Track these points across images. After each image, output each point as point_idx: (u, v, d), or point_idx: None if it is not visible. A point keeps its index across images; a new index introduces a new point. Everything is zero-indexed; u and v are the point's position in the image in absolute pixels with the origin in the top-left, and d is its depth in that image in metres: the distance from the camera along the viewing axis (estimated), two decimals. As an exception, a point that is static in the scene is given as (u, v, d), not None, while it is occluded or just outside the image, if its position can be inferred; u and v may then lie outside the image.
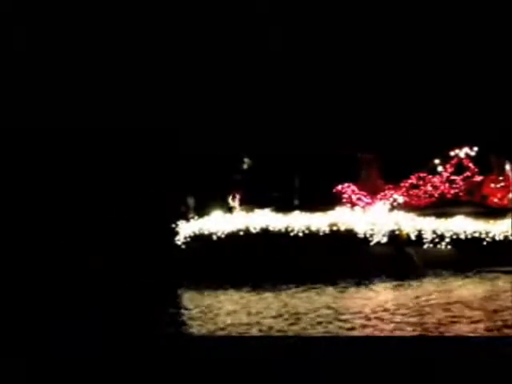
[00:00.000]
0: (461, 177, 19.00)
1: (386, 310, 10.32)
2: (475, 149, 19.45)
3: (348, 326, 8.83)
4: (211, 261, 15.00)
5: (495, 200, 18.53)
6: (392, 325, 8.94)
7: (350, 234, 15.69)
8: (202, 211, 16.29)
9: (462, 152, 19.31)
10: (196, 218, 16.19)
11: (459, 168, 19.34)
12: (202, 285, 13.96)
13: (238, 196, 16.90)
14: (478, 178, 19.17)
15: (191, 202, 16.54)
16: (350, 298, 12.35)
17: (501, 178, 18.86)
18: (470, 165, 19.33)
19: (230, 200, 16.79)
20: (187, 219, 16.18)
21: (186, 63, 29.77)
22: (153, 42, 29.89)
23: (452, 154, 19.20)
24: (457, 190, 18.44)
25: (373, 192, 18.58)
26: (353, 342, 8.21)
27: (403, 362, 6.58)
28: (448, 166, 19.23)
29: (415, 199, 18.10)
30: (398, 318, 9.42)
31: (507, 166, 19.34)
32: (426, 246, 16.00)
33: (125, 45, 29.94)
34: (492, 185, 18.68)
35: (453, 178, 19.09)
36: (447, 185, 18.39)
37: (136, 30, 29.22)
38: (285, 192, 17.77)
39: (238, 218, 15.98)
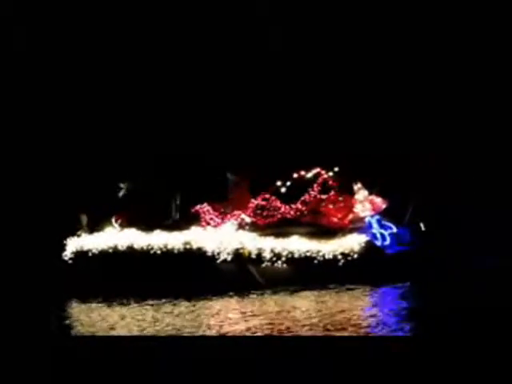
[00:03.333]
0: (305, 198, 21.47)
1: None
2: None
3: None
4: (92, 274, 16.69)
5: (334, 220, 21.22)
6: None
7: (200, 251, 17.87)
8: (94, 228, 17.76)
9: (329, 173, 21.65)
10: (84, 234, 17.63)
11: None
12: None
13: (121, 216, 18.41)
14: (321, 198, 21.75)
15: (84, 219, 17.90)
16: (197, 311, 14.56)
17: (340, 199, 21.59)
18: (334, 185, 21.75)
19: (113, 220, 18.28)
20: (77, 235, 17.58)
21: (184, 62, 29.56)
22: (147, 38, 29.40)
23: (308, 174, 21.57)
24: (297, 211, 20.93)
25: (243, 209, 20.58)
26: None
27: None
28: (315, 185, 21.56)
29: (260, 219, 20.42)
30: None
31: (356, 187, 22.15)
32: (264, 265, 18.47)
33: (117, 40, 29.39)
34: (330, 205, 21.39)
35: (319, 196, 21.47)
36: (287, 206, 20.86)
37: (134, 29, 29.17)
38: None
39: (112, 235, 17.65)
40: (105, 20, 29.67)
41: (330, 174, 21.69)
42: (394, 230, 21.62)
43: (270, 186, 20.98)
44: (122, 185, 18.76)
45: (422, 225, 22.73)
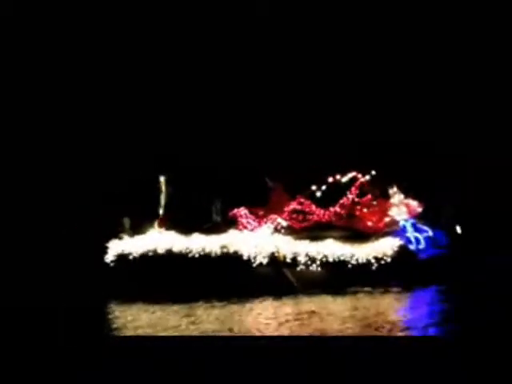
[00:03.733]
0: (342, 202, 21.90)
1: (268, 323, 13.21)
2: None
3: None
4: (131, 276, 17.46)
5: (369, 223, 21.61)
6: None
7: (237, 255, 18.44)
8: (136, 231, 18.58)
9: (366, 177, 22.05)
10: (127, 237, 18.45)
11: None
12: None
13: (163, 220, 19.18)
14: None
15: (127, 222, 18.73)
16: (237, 314, 15.13)
17: (374, 203, 21.97)
18: (371, 189, 22.22)
19: (155, 223, 19.07)
20: (120, 238, 18.42)
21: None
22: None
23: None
24: (334, 215, 21.36)
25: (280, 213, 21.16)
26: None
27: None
28: (353, 189, 21.97)
29: (296, 223, 20.90)
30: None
31: (391, 190, 22.49)
32: (299, 268, 18.96)
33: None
34: (365, 209, 21.76)
35: (357, 200, 21.81)
36: (322, 210, 21.29)
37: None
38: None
39: (153, 239, 18.43)
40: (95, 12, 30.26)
41: (367, 177, 22.21)
42: (430, 233, 21.96)
43: (306, 189, 21.52)
44: (163, 188, 19.48)
45: (458, 227, 23.03)
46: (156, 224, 18.94)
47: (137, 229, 18.77)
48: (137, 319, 14.32)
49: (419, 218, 22.31)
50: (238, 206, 20.49)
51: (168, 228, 18.86)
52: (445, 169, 26.25)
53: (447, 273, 19.93)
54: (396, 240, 20.23)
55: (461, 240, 22.38)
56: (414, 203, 22.51)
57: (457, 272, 20.13)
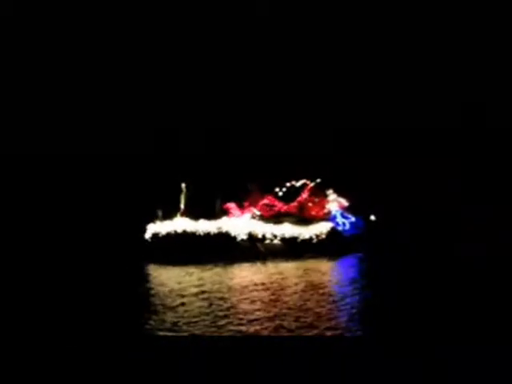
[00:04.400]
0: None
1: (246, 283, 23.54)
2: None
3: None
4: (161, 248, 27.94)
5: (313, 213, 32.17)
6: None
7: (227, 233, 28.87)
8: (166, 218, 29.12)
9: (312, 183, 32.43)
10: (159, 222, 28.99)
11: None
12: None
13: (184, 211, 29.56)
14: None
15: (160, 213, 28.94)
16: (229, 271, 25.47)
17: (316, 200, 32.46)
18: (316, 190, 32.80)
19: (179, 214, 29.49)
20: (154, 223, 28.97)
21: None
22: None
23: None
24: (288, 208, 31.89)
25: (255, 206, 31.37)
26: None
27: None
28: (306, 190, 32.23)
29: (265, 212, 31.33)
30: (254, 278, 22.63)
31: (328, 191, 32.98)
32: (267, 242, 29.52)
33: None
34: (311, 203, 32.33)
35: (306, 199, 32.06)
36: (282, 204, 31.76)
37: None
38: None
39: (174, 223, 28.98)
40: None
41: (314, 183, 32.87)
42: (353, 219, 32.68)
43: (272, 191, 32.09)
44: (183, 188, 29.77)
45: (372, 216, 34.00)
46: (179, 214, 29.35)
47: (167, 217, 29.19)
48: (161, 275, 24.51)
49: (347, 209, 33.14)
50: (229, 202, 31.02)
51: (187, 216, 29.28)
52: (366, 173, 36.91)
53: (363, 245, 30.81)
54: (329, 224, 30.98)
55: (374, 224, 33.45)
56: (343, 200, 33.30)
57: (369, 245, 31.06)
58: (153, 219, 29.15)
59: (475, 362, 11.73)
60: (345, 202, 33.02)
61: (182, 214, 29.16)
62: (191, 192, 29.51)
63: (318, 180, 32.56)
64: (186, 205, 29.48)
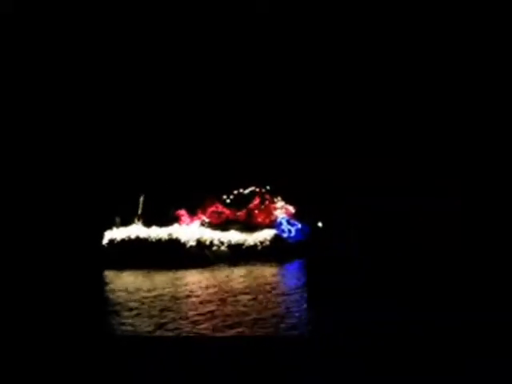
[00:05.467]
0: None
1: (198, 284, 25.46)
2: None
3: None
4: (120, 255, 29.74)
5: (260, 220, 34.17)
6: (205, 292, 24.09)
7: (177, 240, 30.75)
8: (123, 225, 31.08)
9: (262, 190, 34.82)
10: (116, 228, 30.86)
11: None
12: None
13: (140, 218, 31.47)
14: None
15: (118, 219, 30.73)
16: (178, 276, 27.36)
17: (263, 207, 34.51)
18: (267, 197, 34.90)
19: (135, 219, 31.29)
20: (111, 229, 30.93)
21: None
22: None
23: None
24: (236, 215, 33.86)
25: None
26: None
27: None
28: (256, 197, 34.63)
29: (214, 220, 33.27)
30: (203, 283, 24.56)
31: (276, 199, 35.05)
32: (214, 248, 31.46)
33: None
34: (257, 211, 34.34)
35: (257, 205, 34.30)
36: (229, 211, 33.75)
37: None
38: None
39: (129, 229, 30.86)
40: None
41: (263, 190, 34.91)
42: (299, 226, 34.85)
43: (220, 198, 34.07)
44: (141, 200, 31.69)
45: (320, 223, 36.19)
46: (136, 220, 31.23)
47: (125, 224, 31.11)
48: (115, 280, 26.38)
49: (293, 216, 35.25)
50: (180, 209, 32.96)
51: (143, 223, 31.19)
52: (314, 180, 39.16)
53: (308, 251, 33.00)
54: (273, 230, 33.10)
55: (321, 231, 35.63)
56: (290, 207, 35.43)
57: (313, 250, 33.24)
58: (111, 226, 31.19)
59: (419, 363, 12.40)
60: (292, 209, 35.28)
61: (139, 220, 31.12)
62: (147, 199, 31.51)
63: (268, 187, 34.72)
64: (142, 211, 31.46)
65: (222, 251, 31.47)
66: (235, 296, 20.52)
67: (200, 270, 28.83)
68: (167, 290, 22.75)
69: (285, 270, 29.50)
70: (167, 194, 32.41)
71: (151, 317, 17.20)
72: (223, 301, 19.63)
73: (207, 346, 14.37)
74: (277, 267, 29.70)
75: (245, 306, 18.67)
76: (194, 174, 36.33)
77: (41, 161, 37.87)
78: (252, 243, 32.03)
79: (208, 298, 20.54)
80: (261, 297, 20.22)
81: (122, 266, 28.90)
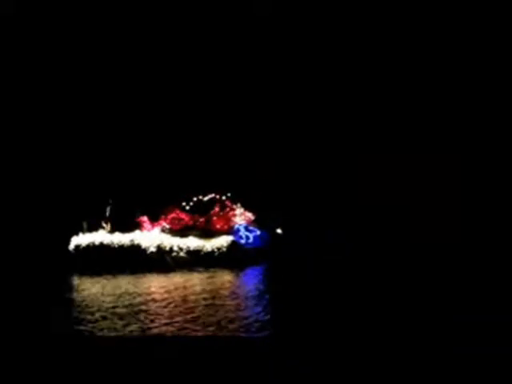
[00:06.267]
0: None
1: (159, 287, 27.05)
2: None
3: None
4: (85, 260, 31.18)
5: (218, 226, 35.81)
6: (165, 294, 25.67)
7: (138, 246, 32.29)
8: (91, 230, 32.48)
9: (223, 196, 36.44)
10: (83, 234, 32.24)
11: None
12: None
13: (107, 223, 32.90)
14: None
15: (85, 225, 32.13)
16: (139, 281, 28.92)
17: (221, 214, 36.14)
18: (228, 204, 36.53)
19: (103, 224, 32.78)
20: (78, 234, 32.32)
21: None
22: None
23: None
24: (196, 222, 35.47)
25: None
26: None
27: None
28: (217, 204, 36.25)
29: (174, 226, 34.84)
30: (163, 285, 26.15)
31: (235, 206, 36.70)
32: (174, 254, 33.02)
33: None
34: (215, 218, 35.97)
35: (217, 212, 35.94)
36: (189, 218, 35.30)
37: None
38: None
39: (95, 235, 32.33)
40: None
41: (224, 197, 36.54)
42: (258, 232, 36.50)
43: (180, 205, 35.67)
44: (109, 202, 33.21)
45: (279, 230, 38.00)
46: (103, 225, 32.71)
47: (92, 229, 32.62)
48: (83, 284, 27.92)
49: (253, 222, 36.94)
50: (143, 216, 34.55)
51: (110, 227, 32.70)
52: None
53: (266, 257, 34.79)
54: (230, 237, 34.72)
55: (280, 237, 37.45)
56: (249, 214, 37.11)
57: (273, 257, 35.07)
58: (78, 231, 32.64)
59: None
60: (251, 216, 36.97)
61: (107, 223, 32.63)
62: (114, 205, 33.02)
63: (229, 194, 36.39)
64: (109, 217, 32.95)
65: (182, 257, 33.03)
66: (194, 300, 21.76)
67: (160, 275, 30.19)
68: (129, 293, 23.91)
69: (242, 275, 30.87)
70: (131, 201, 33.95)
71: (113, 319, 18.36)
72: (182, 303, 20.93)
73: (170, 346, 15.00)
74: (234, 273, 31.02)
75: (201, 307, 19.96)
76: (156, 181, 38.01)
77: (10, 164, 39.03)
78: (210, 249, 33.60)
79: (169, 301, 21.75)
80: (217, 300, 21.58)
81: (86, 271, 30.31)
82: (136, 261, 31.53)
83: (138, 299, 22.37)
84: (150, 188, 37.10)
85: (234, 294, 23.29)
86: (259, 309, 19.64)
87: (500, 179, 39.75)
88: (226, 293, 23.82)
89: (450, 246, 36.39)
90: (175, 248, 33.06)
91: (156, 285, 27.08)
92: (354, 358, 12.99)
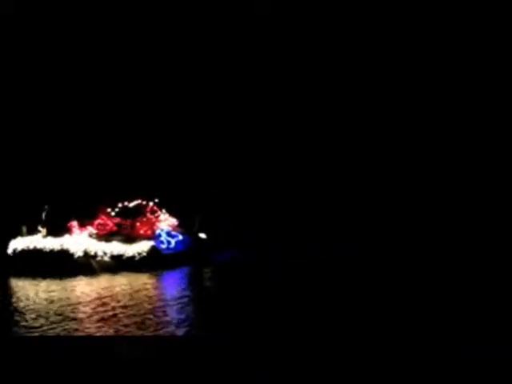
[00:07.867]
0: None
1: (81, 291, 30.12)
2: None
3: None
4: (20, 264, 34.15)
5: (141, 232, 38.97)
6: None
7: (67, 250, 35.19)
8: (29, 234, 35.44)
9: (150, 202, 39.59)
10: (21, 238, 35.29)
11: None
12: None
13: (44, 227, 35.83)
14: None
15: (24, 229, 34.86)
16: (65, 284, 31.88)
17: (145, 219, 39.29)
18: (154, 209, 39.73)
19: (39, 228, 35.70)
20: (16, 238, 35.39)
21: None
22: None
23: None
24: (120, 227, 38.49)
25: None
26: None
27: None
28: (148, 209, 39.36)
29: (100, 231, 37.84)
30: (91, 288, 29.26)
31: (160, 212, 39.90)
32: (99, 259, 36.05)
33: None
34: (138, 223, 39.14)
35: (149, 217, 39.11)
36: (113, 223, 38.33)
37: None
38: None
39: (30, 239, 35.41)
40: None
41: (151, 203, 39.77)
42: (180, 237, 39.72)
43: (105, 211, 38.78)
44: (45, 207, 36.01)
45: (203, 234, 41.50)
46: (39, 229, 35.51)
47: (31, 233, 35.45)
48: (15, 287, 30.60)
49: (177, 227, 40.17)
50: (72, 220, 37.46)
51: (46, 231, 35.64)
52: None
53: (188, 261, 38.10)
54: (150, 242, 38.00)
55: (204, 242, 41.00)
56: (173, 219, 40.41)
57: (195, 261, 38.44)
58: (17, 235, 35.32)
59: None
60: (175, 222, 40.23)
61: (43, 227, 35.35)
62: (51, 210, 35.70)
63: (156, 200, 39.59)
64: (45, 222, 35.59)
65: (106, 261, 35.93)
66: (120, 302, 24.30)
67: (85, 278, 32.95)
68: (56, 296, 26.55)
69: (163, 278, 34.21)
70: (65, 205, 36.56)
71: (39, 320, 20.68)
72: (104, 304, 23.76)
73: (92, 345, 16.09)
74: (155, 276, 34.06)
75: (122, 308, 22.75)
76: (88, 186, 40.79)
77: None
78: (131, 254, 36.68)
79: (94, 302, 24.53)
80: (137, 301, 24.49)
81: (22, 274, 32.97)
82: (64, 265, 34.35)
83: (64, 303, 24.97)
84: (82, 193, 39.75)
85: (151, 298, 25.95)
86: (173, 309, 21.83)
87: (500, 179, 40.55)
88: (146, 293, 26.89)
89: (450, 246, 37.22)
90: (100, 253, 35.91)
91: (85, 287, 30.05)
92: (354, 358, 13.28)
